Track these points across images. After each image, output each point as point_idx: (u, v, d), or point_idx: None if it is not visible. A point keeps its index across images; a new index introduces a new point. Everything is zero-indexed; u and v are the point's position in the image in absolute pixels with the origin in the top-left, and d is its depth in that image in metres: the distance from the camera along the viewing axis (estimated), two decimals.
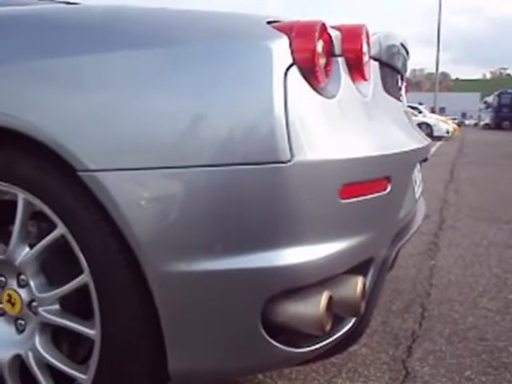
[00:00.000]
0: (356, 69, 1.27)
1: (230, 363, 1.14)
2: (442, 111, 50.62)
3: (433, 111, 29.28)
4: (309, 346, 1.16)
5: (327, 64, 1.18)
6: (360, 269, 1.22)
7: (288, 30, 1.11)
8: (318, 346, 1.17)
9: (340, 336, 1.22)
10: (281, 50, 1.09)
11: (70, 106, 1.11)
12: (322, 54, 1.15)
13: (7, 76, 1.18)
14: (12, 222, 1.22)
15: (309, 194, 1.07)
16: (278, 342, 1.11)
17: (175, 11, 1.23)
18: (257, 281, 1.06)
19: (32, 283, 1.22)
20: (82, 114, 1.10)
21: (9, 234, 1.23)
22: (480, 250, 3.27)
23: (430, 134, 17.49)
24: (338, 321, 1.22)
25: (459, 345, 1.94)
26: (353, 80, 1.28)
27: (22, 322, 1.26)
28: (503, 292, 2.51)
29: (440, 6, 33.03)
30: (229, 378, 1.52)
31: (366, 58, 1.29)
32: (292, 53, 1.10)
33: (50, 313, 1.20)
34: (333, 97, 1.18)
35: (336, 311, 1.14)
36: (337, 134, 1.15)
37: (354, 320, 1.25)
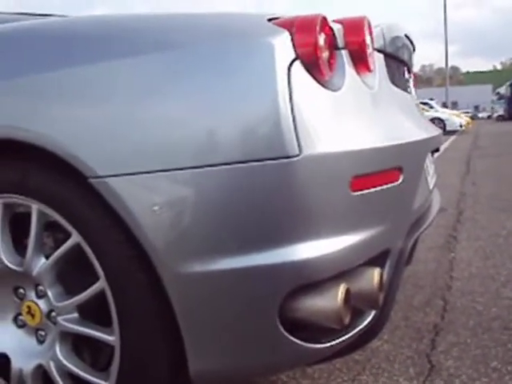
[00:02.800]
0: (360, 61, 1.27)
1: (250, 361, 1.14)
2: (454, 105, 50.25)
3: (444, 106, 29.09)
4: (329, 341, 1.16)
5: (330, 57, 1.18)
6: (377, 260, 1.21)
7: (289, 25, 1.12)
8: (338, 340, 1.16)
9: (360, 329, 1.21)
10: (283, 46, 1.09)
11: (78, 116, 1.13)
12: (325, 48, 1.14)
13: (17, 90, 1.19)
14: (27, 234, 1.24)
15: (319, 187, 1.07)
16: (297, 338, 1.10)
17: (175, 15, 1.24)
18: (273, 277, 1.06)
19: (50, 293, 1.23)
20: (90, 122, 1.11)
21: (25, 247, 1.24)
22: (500, 241, 3.23)
23: (443, 129, 17.37)
24: (357, 314, 1.21)
25: (484, 336, 1.91)
26: (358, 72, 1.28)
27: (43, 333, 1.28)
28: None
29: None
30: (251, 377, 1.52)
31: (369, 50, 1.29)
32: (294, 48, 1.10)
33: (69, 321, 1.21)
34: (338, 89, 1.17)
35: (354, 304, 1.13)
36: (344, 126, 1.15)
37: (373, 313, 1.24)
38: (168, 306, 1.09)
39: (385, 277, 1.23)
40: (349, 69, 1.24)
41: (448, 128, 18.59)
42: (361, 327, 1.22)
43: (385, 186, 1.22)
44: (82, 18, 1.35)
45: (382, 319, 1.32)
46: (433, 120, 17.35)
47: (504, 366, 1.68)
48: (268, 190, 1.05)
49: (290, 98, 1.06)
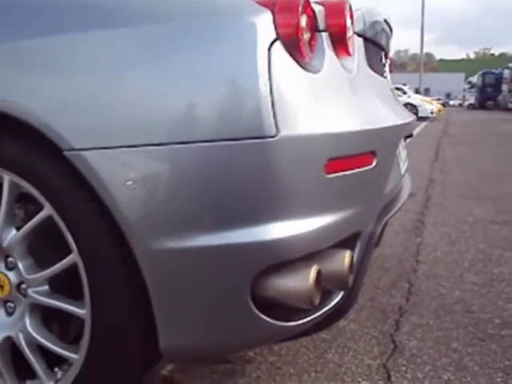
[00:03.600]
0: (340, 44, 1.27)
1: (221, 339, 1.15)
2: (426, 92, 50.78)
3: (417, 92, 29.36)
4: (298, 320, 1.18)
5: (311, 39, 1.18)
6: (347, 243, 1.24)
7: (271, 5, 1.11)
8: (307, 319, 1.19)
9: (329, 309, 1.24)
10: (264, 25, 1.08)
11: (55, 86, 1.10)
12: (306, 29, 1.14)
13: None
14: None
15: (295, 168, 1.08)
16: (267, 316, 1.12)
17: None
18: (245, 256, 1.07)
19: (20, 265, 1.22)
20: (67, 94, 1.09)
21: None
22: (465, 227, 3.32)
23: (415, 115, 17.52)
24: (326, 295, 1.23)
25: (446, 318, 1.97)
26: (337, 55, 1.28)
27: (12, 305, 1.26)
28: (488, 266, 2.55)
29: None
30: (220, 354, 1.54)
31: (349, 33, 1.29)
32: (276, 28, 1.09)
33: (39, 294, 1.20)
34: (317, 72, 1.18)
35: (324, 285, 1.15)
36: (322, 108, 1.15)
37: (342, 294, 1.27)
38: (141, 281, 1.09)
39: (355, 259, 1.25)
40: (328, 51, 1.24)
41: (420, 114, 18.79)
42: (329, 307, 1.24)
43: (358, 170, 1.23)
44: None
45: (350, 300, 1.34)
46: (405, 105, 17.47)
47: (464, 348, 1.74)
48: (244, 169, 1.06)
49: (270, 79, 1.06)
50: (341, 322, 1.87)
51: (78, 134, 1.07)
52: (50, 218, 1.16)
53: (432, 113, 20.12)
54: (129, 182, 1.05)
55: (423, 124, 15.94)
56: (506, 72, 34.47)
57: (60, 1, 1.19)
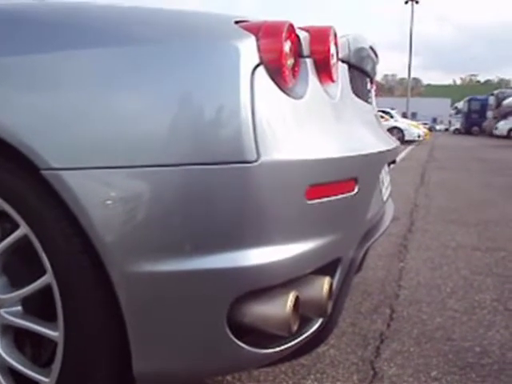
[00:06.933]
0: (324, 70, 1.28)
1: (196, 364, 1.13)
2: (413, 116, 51.40)
3: (405, 116, 29.69)
4: (276, 347, 1.16)
5: (295, 65, 1.18)
6: (327, 269, 1.23)
7: (255, 30, 1.11)
8: (285, 346, 1.17)
9: (307, 336, 1.22)
10: (248, 50, 1.09)
11: (34, 104, 1.09)
12: (290, 55, 1.15)
13: None
14: None
15: (275, 194, 1.07)
16: (244, 343, 1.10)
17: (142, 9, 1.22)
18: (222, 281, 1.06)
19: None
20: (46, 113, 1.08)
21: None
22: (448, 253, 3.32)
23: (402, 139, 17.83)
24: (305, 321, 1.22)
25: (426, 345, 1.96)
26: (320, 81, 1.29)
27: None
28: (470, 293, 2.55)
29: (412, 12, 33.65)
30: (196, 379, 1.51)
31: (333, 60, 1.30)
32: (259, 53, 1.09)
33: (11, 314, 1.18)
34: (300, 97, 1.18)
35: (303, 312, 1.14)
36: (304, 134, 1.15)
37: (321, 320, 1.25)
38: (115, 304, 1.07)
39: (334, 286, 1.24)
40: (312, 77, 1.25)
41: (406, 138, 19.01)
42: (308, 334, 1.23)
43: (340, 196, 1.23)
44: (43, 3, 1.31)
45: (330, 326, 1.33)
46: (392, 129, 17.76)
47: (444, 376, 1.73)
48: (223, 193, 1.05)
49: (252, 104, 1.06)
50: (320, 347, 1.85)
51: (55, 154, 1.05)
52: (25, 238, 1.14)
53: (419, 137, 20.35)
54: (106, 204, 1.04)
55: (409, 148, 16.09)
56: (491, 99, 35.02)
57: (43, 19, 1.18)
